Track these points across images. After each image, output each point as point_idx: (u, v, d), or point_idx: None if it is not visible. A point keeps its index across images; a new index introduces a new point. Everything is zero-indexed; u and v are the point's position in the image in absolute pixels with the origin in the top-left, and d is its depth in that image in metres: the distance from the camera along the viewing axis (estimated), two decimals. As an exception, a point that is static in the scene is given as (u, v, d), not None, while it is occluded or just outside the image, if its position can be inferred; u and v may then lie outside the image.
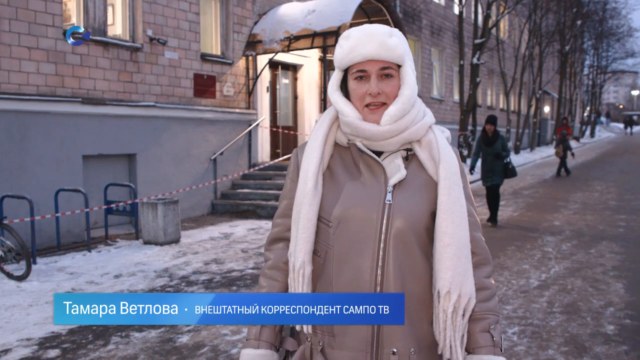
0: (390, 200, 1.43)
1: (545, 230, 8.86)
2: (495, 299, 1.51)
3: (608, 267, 6.50)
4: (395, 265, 1.41)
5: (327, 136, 1.52)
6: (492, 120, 8.80)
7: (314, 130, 1.54)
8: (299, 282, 1.46)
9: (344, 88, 1.51)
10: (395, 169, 1.45)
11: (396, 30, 1.47)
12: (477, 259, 1.48)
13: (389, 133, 1.43)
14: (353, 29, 1.47)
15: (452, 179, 1.43)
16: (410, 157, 1.49)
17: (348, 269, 1.43)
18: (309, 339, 1.49)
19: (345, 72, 1.49)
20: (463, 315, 1.41)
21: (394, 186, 1.44)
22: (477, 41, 19.45)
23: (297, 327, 1.50)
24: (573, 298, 5.35)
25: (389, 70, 1.44)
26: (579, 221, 9.62)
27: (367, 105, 1.45)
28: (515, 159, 23.86)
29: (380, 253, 1.41)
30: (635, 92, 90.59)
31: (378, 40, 1.41)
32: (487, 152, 8.81)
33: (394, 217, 1.41)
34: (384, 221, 1.42)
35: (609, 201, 12.07)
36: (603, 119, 64.70)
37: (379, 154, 1.48)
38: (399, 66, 1.46)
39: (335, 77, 1.51)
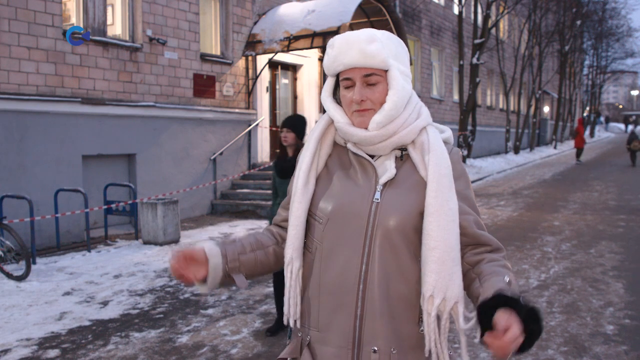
0: (378, 199, 1.43)
1: (544, 230, 8.86)
2: (512, 274, 1.43)
3: (608, 267, 6.50)
4: (380, 264, 1.41)
5: (322, 136, 1.55)
6: (292, 123, 4.44)
7: (311, 130, 1.58)
8: (288, 277, 1.52)
9: (337, 93, 1.54)
10: (386, 169, 1.47)
11: (380, 33, 1.46)
12: (490, 248, 1.46)
13: (377, 138, 1.45)
14: (337, 36, 1.48)
15: (441, 181, 1.41)
16: (404, 157, 1.50)
17: (335, 265, 1.45)
18: (300, 334, 1.53)
19: (338, 77, 1.52)
20: (451, 319, 1.41)
21: (384, 185, 1.45)
22: (477, 41, 19.45)
23: (285, 321, 1.54)
24: (573, 298, 5.35)
25: (373, 77, 1.44)
26: (578, 221, 9.62)
27: (355, 111, 1.46)
28: (515, 159, 23.92)
29: (367, 251, 1.42)
30: (634, 92, 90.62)
31: (357, 49, 1.42)
32: (283, 190, 4.53)
33: (381, 215, 1.42)
34: (371, 219, 1.42)
35: (608, 201, 12.07)
36: (602, 119, 64.86)
37: (373, 156, 1.51)
38: (386, 70, 1.45)
39: (328, 84, 1.54)
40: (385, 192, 1.45)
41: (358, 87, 1.44)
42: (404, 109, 1.46)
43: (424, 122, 1.49)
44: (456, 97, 22.15)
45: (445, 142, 1.52)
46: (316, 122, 1.61)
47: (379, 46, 1.42)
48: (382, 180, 1.45)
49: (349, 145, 1.49)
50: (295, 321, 1.52)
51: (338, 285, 1.44)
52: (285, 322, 1.53)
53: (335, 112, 1.50)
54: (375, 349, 1.41)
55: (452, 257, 1.40)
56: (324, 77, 12.85)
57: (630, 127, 55.53)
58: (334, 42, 1.47)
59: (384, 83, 1.44)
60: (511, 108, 29.57)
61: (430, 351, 1.42)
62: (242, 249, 1.56)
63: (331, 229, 1.46)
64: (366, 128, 1.45)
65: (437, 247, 1.38)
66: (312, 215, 1.50)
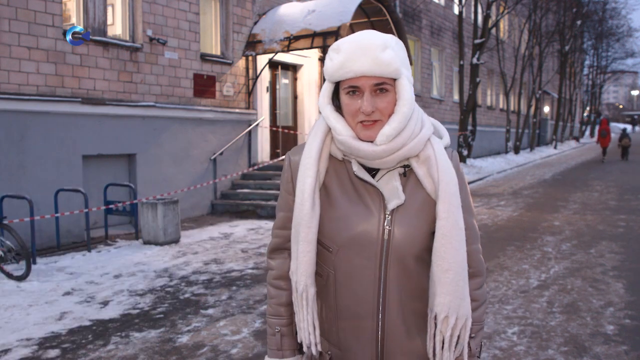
0: (389, 226, 1.40)
1: (545, 230, 8.85)
2: (482, 308, 1.52)
3: (608, 267, 6.50)
4: (397, 288, 1.42)
5: (321, 151, 1.44)
6: None
7: (307, 142, 1.47)
8: (303, 305, 1.45)
9: (336, 99, 1.43)
10: (394, 193, 1.40)
11: (391, 39, 1.37)
12: (470, 271, 1.47)
13: (385, 152, 1.36)
14: (343, 40, 1.37)
15: (452, 201, 1.38)
16: (407, 173, 1.43)
17: (350, 292, 1.44)
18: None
19: (337, 83, 1.41)
20: (459, 336, 1.42)
21: (392, 210, 1.40)
22: (477, 41, 19.45)
23: (305, 348, 1.49)
24: (573, 298, 5.35)
25: (384, 86, 1.34)
26: (578, 221, 9.62)
27: (360, 122, 1.36)
28: (515, 159, 23.92)
29: (382, 277, 1.41)
30: (635, 92, 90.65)
31: (371, 56, 1.31)
32: None
33: (394, 242, 1.40)
34: (384, 246, 1.40)
35: (608, 201, 12.07)
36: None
37: (375, 168, 1.43)
38: (395, 79, 1.36)
39: (326, 89, 1.42)
40: (395, 217, 1.40)
41: (367, 96, 1.34)
42: (410, 120, 1.39)
43: (428, 132, 1.43)
44: (456, 97, 22.15)
45: (445, 148, 1.48)
46: (316, 121, 1.56)
47: (392, 54, 1.33)
48: (391, 206, 1.40)
49: (355, 169, 1.41)
50: (315, 346, 1.48)
51: (356, 312, 1.44)
52: (305, 350, 1.50)
53: (337, 123, 1.39)
54: None
55: (464, 277, 1.40)
56: (324, 77, 12.82)
57: (637, 127, 56.51)
58: (340, 47, 1.35)
59: (392, 92, 1.36)
60: (511, 108, 29.58)
61: None
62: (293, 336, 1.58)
63: (343, 257, 1.43)
64: (372, 141, 1.37)
65: (451, 269, 1.37)
66: (319, 242, 1.45)
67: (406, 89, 1.36)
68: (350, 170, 1.43)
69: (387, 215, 1.40)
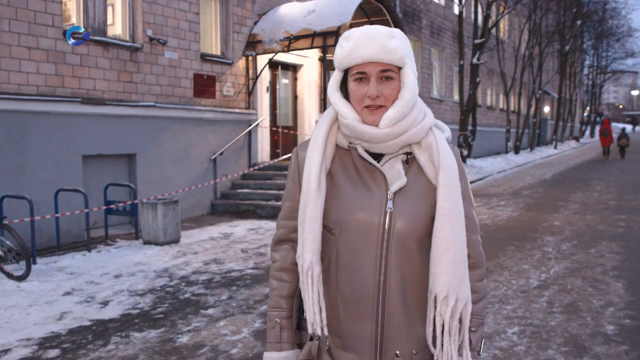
0: (391, 208, 1.43)
1: (545, 230, 8.85)
2: (483, 302, 1.54)
3: (608, 267, 6.50)
4: (397, 272, 1.43)
5: (328, 136, 1.50)
6: None
7: (315, 130, 1.52)
8: (309, 283, 1.46)
9: (344, 88, 1.50)
10: (396, 176, 1.45)
11: (397, 31, 1.45)
12: (470, 261, 1.50)
13: (388, 136, 1.43)
14: (354, 29, 1.46)
15: (452, 185, 1.43)
16: (410, 160, 1.49)
17: (351, 275, 1.45)
18: (316, 337, 1.52)
19: (346, 72, 1.48)
20: (460, 320, 1.43)
21: (395, 193, 1.44)
22: (477, 41, 19.44)
23: (310, 330, 1.50)
24: (573, 298, 5.35)
25: (389, 73, 1.42)
26: (578, 221, 9.62)
27: (366, 107, 1.43)
28: (515, 159, 23.92)
29: (383, 260, 1.43)
30: (635, 92, 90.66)
31: (378, 43, 1.40)
32: None
33: (395, 224, 1.43)
34: (386, 228, 1.43)
35: (608, 201, 12.07)
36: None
37: (379, 156, 1.48)
38: (400, 68, 1.44)
39: (335, 78, 1.50)
40: (397, 200, 1.44)
41: (374, 82, 1.41)
42: (413, 108, 1.46)
43: (430, 121, 1.50)
44: (456, 97, 22.15)
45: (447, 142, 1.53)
46: (316, 121, 1.59)
47: (398, 43, 1.42)
48: (393, 188, 1.44)
49: (360, 151, 1.46)
50: (322, 329, 1.47)
51: (357, 296, 1.45)
52: (310, 332, 1.50)
53: (344, 107, 1.45)
54: (398, 352, 1.45)
55: (463, 259, 1.43)
56: (324, 77, 12.85)
57: (638, 127, 56.98)
58: (350, 35, 1.44)
59: (397, 80, 1.44)
60: (511, 108, 29.57)
61: (438, 354, 1.44)
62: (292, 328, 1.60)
63: (345, 239, 1.45)
64: (376, 126, 1.43)
65: (450, 249, 1.40)
66: (322, 225, 1.47)
67: (410, 77, 1.44)
68: (355, 157, 1.48)
69: (389, 198, 1.44)
